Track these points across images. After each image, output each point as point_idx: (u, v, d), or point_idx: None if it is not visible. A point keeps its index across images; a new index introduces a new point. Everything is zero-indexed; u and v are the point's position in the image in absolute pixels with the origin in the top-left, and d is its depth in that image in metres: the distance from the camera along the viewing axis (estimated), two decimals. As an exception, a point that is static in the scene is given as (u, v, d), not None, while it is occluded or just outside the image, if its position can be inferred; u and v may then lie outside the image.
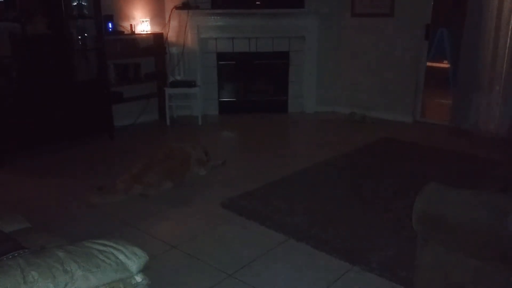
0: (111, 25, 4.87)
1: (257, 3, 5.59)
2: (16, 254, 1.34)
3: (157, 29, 5.49)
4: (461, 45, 4.99)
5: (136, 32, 5.22)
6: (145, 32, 5.30)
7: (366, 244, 2.69)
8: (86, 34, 4.58)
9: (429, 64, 5.97)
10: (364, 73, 5.80)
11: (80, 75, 4.56)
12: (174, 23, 5.59)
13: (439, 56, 7.78)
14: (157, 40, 5.46)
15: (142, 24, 5.26)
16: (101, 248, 1.37)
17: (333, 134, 5.22)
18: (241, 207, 3.20)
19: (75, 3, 4.41)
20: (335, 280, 2.36)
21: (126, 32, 5.13)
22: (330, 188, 3.55)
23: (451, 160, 4.19)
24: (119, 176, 3.55)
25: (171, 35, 5.62)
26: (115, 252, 1.37)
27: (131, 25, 5.18)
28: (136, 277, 1.40)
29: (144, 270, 1.41)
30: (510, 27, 4.62)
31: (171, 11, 5.51)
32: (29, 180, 3.79)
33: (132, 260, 1.38)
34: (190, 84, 5.49)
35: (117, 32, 5.00)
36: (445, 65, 8.05)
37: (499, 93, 4.80)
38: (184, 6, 5.49)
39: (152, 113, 5.72)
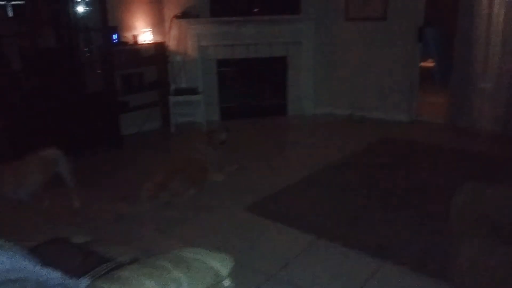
0: (116, 36, 4.93)
1: (254, 10, 5.73)
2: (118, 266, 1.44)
3: (158, 39, 5.56)
4: (454, 43, 5.21)
5: (138, 42, 5.29)
6: (147, 42, 5.37)
7: (393, 240, 2.86)
8: (93, 46, 4.63)
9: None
10: (360, 75, 6.00)
11: (89, 87, 4.61)
12: (174, 32, 5.67)
13: (425, 55, 8.07)
14: (159, 49, 5.53)
15: (144, 34, 5.34)
16: (195, 256, 1.48)
17: (336, 136, 5.39)
18: (266, 210, 3.33)
19: (82, 16, 4.45)
20: (371, 275, 2.51)
21: (129, 43, 5.19)
22: (346, 189, 3.71)
23: (456, 158, 4.39)
24: (137, 185, 3.63)
25: (172, 43, 5.70)
26: (208, 259, 1.49)
27: (133, 35, 5.25)
28: (225, 281, 1.52)
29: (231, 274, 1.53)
30: (502, 24, 4.84)
31: (171, 21, 5.60)
32: (47, 192, 3.81)
33: (223, 265, 1.50)
34: (193, 91, 5.58)
35: (121, 43, 5.07)
36: (429, 64, 8.36)
37: (492, 90, 5.05)
38: (183, 15, 5.58)
39: (155, 121, 5.79)
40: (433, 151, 4.63)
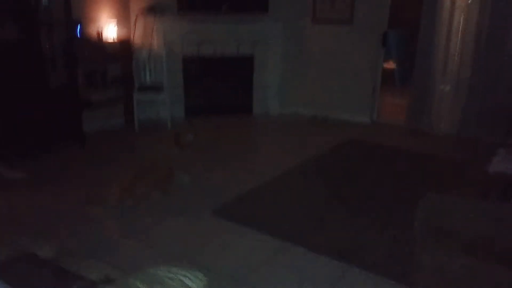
0: (79, 30, 4.77)
1: (222, 8, 5.69)
2: None
3: (123, 33, 5.43)
4: (416, 46, 5.40)
5: (102, 36, 5.15)
6: (111, 37, 5.23)
7: (357, 244, 2.95)
8: (55, 40, 4.46)
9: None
10: (325, 76, 6.11)
11: (50, 82, 4.45)
12: (140, 27, 5.56)
13: (386, 57, 8.28)
14: (123, 44, 5.40)
15: (108, 29, 5.20)
16: (170, 275, 1.48)
17: (300, 136, 5.48)
18: (233, 213, 3.36)
19: (44, 8, 4.28)
20: (337, 280, 2.59)
21: (93, 37, 5.04)
22: (311, 192, 3.79)
23: (416, 161, 4.56)
24: (102, 186, 3.57)
25: (137, 39, 5.58)
26: (182, 277, 1.49)
27: (98, 29, 5.10)
28: (200, 299, 1.53)
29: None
30: (461, 29, 5.07)
31: (137, 15, 5.48)
32: (10, 193, 3.67)
33: (197, 284, 1.51)
34: (158, 88, 5.50)
35: (85, 37, 4.91)
36: (390, 65, 8.58)
37: (450, 94, 5.28)
38: (150, 10, 5.47)
39: (118, 117, 5.66)
40: (394, 153, 4.79)
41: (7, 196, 3.61)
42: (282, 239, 3.00)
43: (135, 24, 5.52)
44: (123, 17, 5.46)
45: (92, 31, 5.09)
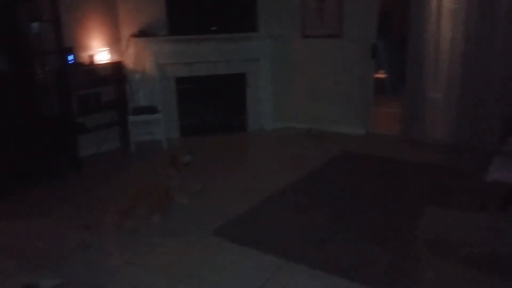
0: (72, 57, 4.81)
1: (212, 28, 5.77)
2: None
3: (115, 58, 5.48)
4: (406, 56, 5.45)
5: (95, 62, 5.19)
6: (104, 61, 5.28)
7: (359, 259, 2.94)
8: (48, 68, 4.49)
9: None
10: (317, 89, 6.16)
11: (44, 110, 4.46)
12: (132, 51, 5.61)
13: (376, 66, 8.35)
14: (116, 69, 5.44)
15: (101, 54, 5.24)
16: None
17: (296, 151, 5.49)
18: (234, 233, 3.34)
19: (36, 38, 4.32)
20: (341, 297, 2.59)
21: (85, 63, 5.08)
22: (310, 207, 3.79)
23: (414, 171, 4.56)
24: (100, 211, 3.57)
25: (129, 62, 5.63)
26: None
27: (90, 55, 5.14)
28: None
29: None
30: (449, 40, 5.12)
31: (128, 39, 5.53)
32: (8, 223, 3.65)
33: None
34: (153, 110, 5.53)
35: (77, 63, 4.95)
36: (380, 75, 8.66)
37: (442, 101, 5.31)
38: (140, 34, 5.53)
39: (113, 141, 5.67)
40: (390, 165, 4.80)
41: (5, 227, 3.60)
42: (283, 258, 2.99)
43: (126, 48, 5.57)
44: (115, 42, 5.52)
45: (84, 57, 5.13)
